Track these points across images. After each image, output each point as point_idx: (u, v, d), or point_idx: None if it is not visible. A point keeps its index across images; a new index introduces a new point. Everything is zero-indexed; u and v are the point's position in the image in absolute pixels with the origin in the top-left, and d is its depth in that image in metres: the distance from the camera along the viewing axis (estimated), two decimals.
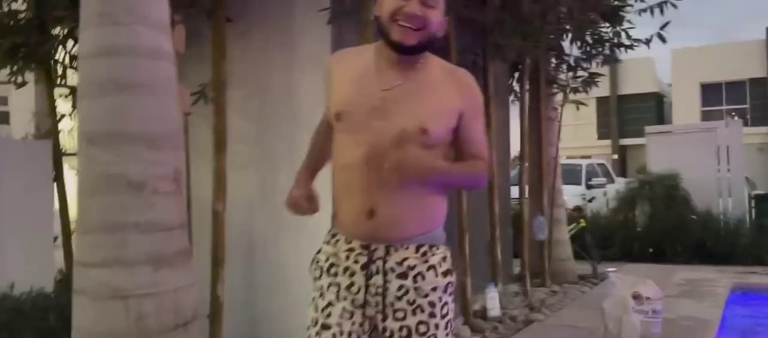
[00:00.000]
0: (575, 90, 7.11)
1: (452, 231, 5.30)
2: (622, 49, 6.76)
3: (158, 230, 2.63)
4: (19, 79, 4.80)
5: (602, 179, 14.07)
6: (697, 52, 27.32)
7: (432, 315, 1.80)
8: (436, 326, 1.79)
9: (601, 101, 30.08)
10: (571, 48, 6.88)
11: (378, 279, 1.80)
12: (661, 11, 6.45)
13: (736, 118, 25.54)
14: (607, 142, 29.33)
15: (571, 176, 13.71)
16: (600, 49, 6.74)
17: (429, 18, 1.77)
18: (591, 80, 7.04)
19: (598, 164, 15.57)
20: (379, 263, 1.80)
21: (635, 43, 6.61)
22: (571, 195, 12.03)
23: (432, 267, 1.82)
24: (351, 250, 1.83)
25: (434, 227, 1.86)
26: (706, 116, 25.73)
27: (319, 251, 1.95)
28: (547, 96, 7.05)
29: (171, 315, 2.61)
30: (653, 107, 29.24)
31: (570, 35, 6.56)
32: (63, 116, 4.99)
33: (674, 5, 6.44)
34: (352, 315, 1.81)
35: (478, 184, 1.97)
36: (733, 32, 74.83)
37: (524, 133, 6.47)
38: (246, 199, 4.74)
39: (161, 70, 2.69)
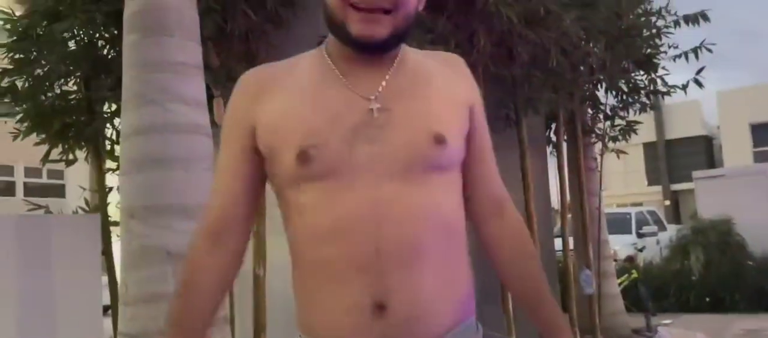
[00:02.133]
0: (614, 139, 7.04)
1: (493, 289, 5.26)
2: (659, 96, 6.69)
3: None
4: (70, 156, 5.05)
5: (653, 227, 13.68)
6: (744, 92, 26.72)
7: None
8: None
9: (648, 147, 29.55)
10: (606, 97, 6.85)
11: None
12: (696, 56, 6.40)
13: None
14: (658, 188, 28.62)
15: (621, 225, 13.39)
16: (636, 98, 6.69)
17: None
18: (629, 128, 6.96)
19: (649, 212, 15.17)
20: None
21: (672, 90, 6.55)
22: (621, 245, 11.75)
23: None
24: None
25: (470, 314, 1.25)
26: (758, 157, 24.92)
27: None
28: (585, 146, 6.99)
29: None
30: (703, 151, 28.55)
31: (604, 85, 6.55)
32: (111, 189, 5.21)
33: (709, 50, 6.39)
34: None
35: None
36: None
37: (564, 184, 6.40)
38: (286, 264, 4.80)
39: (196, 144, 2.82)
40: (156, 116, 2.75)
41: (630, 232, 13.13)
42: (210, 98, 4.29)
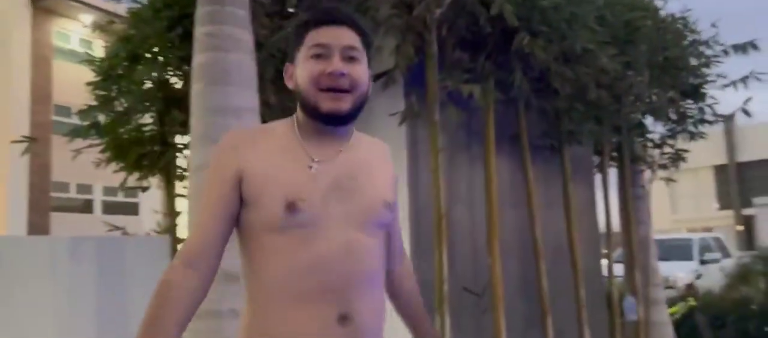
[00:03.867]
0: (663, 166, 7.09)
1: (535, 318, 5.44)
2: (708, 124, 6.72)
3: None
4: (145, 183, 5.60)
5: (717, 254, 13.31)
6: None
7: None
8: None
9: (718, 170, 28.58)
10: (655, 126, 6.93)
11: None
12: (745, 85, 6.42)
13: None
14: (730, 212, 27.52)
15: (683, 251, 13.13)
16: (684, 126, 6.74)
17: (357, 75, 1.48)
18: (678, 157, 7.00)
19: (713, 238, 14.77)
20: None
21: (718, 119, 6.57)
22: (683, 272, 11.55)
23: None
24: None
25: (383, 327, 1.58)
26: None
27: None
28: (633, 174, 7.06)
29: None
30: None
31: (650, 115, 6.65)
32: (180, 213, 5.72)
33: (758, 78, 6.39)
34: None
35: None
36: None
37: (609, 212, 6.51)
38: None
39: None
40: None
41: (692, 259, 12.85)
42: None
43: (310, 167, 1.48)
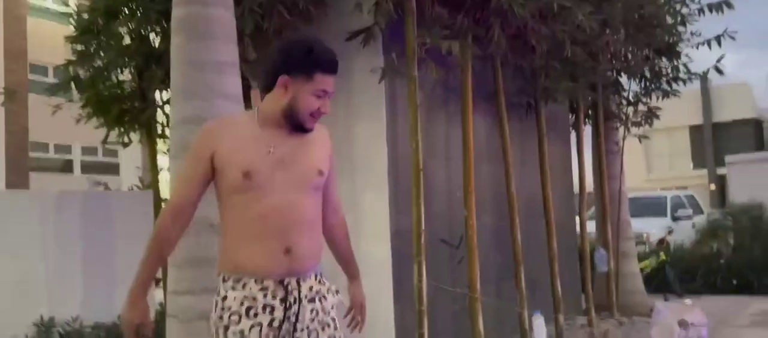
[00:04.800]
0: (637, 124, 7.25)
1: (508, 269, 5.64)
2: (681, 82, 6.87)
3: None
4: (126, 139, 5.63)
5: (689, 211, 13.64)
6: None
7: (335, 328, 2.15)
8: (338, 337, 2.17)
9: (694, 130, 29.04)
10: (629, 83, 7.07)
11: (294, 308, 2.04)
12: (719, 43, 6.56)
13: None
14: (704, 171, 28.08)
15: (656, 208, 13.44)
16: (658, 84, 6.89)
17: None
18: (652, 114, 7.16)
19: (686, 196, 15.12)
20: (295, 293, 2.05)
21: (693, 77, 6.72)
22: (656, 228, 11.85)
23: (328, 290, 2.17)
24: (265, 288, 2.02)
25: (320, 259, 2.19)
26: None
27: (223, 300, 2.06)
28: (608, 131, 7.23)
29: None
30: (752, 134, 27.87)
31: (625, 73, 6.77)
32: (162, 168, 5.78)
33: (732, 37, 6.54)
34: None
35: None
36: None
37: (582, 168, 6.69)
38: None
39: None
40: (201, 109, 3.23)
41: (665, 215, 13.17)
42: (248, 88, 4.77)
43: (270, 151, 2.06)
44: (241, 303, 2.03)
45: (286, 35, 4.76)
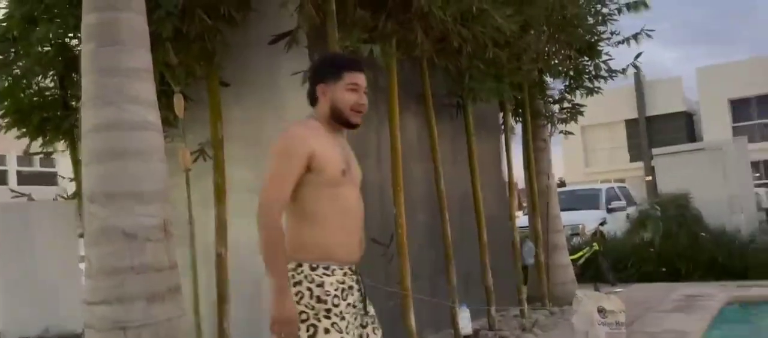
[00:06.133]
0: (563, 120, 7.50)
1: (441, 259, 5.76)
2: (602, 80, 7.15)
3: (150, 271, 3.18)
4: (50, 148, 5.49)
5: (622, 202, 14.17)
6: (723, 68, 27.19)
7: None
8: None
9: (630, 124, 30.12)
10: (554, 82, 7.31)
11: (362, 288, 2.42)
12: (637, 41, 6.86)
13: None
14: (640, 164, 29.15)
15: (591, 200, 13.91)
16: (581, 82, 7.15)
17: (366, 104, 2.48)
18: (576, 111, 7.43)
19: (619, 188, 15.68)
20: (360, 279, 2.43)
21: (613, 74, 7.01)
22: (591, 220, 12.25)
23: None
24: (345, 274, 2.35)
25: None
26: (737, 132, 25.44)
27: (319, 286, 2.27)
28: (536, 128, 7.46)
29: None
30: (683, 126, 29.06)
31: (548, 73, 7.00)
32: None
33: (649, 35, 6.84)
34: (356, 325, 2.38)
35: None
36: (762, 45, 73.70)
37: (510, 164, 6.88)
38: (248, 242, 5.26)
39: (148, 139, 3.28)
40: (113, 116, 3.20)
41: (599, 207, 13.64)
42: (171, 94, 4.74)
43: (344, 154, 2.40)
44: (336, 288, 2.30)
45: (209, 39, 4.75)
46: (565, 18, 6.56)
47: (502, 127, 7.32)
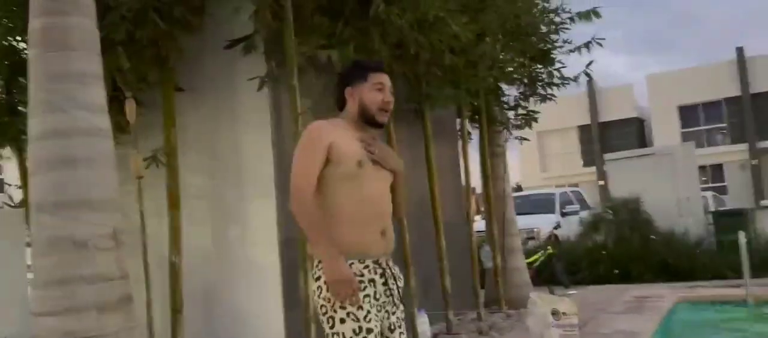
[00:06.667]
0: (518, 127, 7.64)
1: (399, 265, 5.78)
2: (556, 87, 7.32)
3: (101, 281, 3.10)
4: None
5: (576, 206, 14.47)
6: (672, 76, 28.10)
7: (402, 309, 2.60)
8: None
9: (582, 129, 30.85)
10: (510, 89, 7.44)
11: (390, 283, 2.49)
12: (588, 49, 7.03)
13: (720, 137, 26.16)
14: (593, 169, 29.84)
15: (546, 205, 14.17)
16: (535, 89, 7.29)
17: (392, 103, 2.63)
18: (530, 117, 7.57)
19: (573, 192, 16.02)
20: (388, 271, 2.49)
21: (565, 82, 7.18)
22: (546, 224, 12.48)
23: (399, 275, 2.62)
24: (367, 267, 2.43)
25: None
26: (686, 137, 26.33)
27: None
28: (492, 134, 7.57)
29: None
30: (634, 132, 29.91)
31: (503, 80, 7.12)
32: None
33: (599, 44, 7.03)
34: (378, 318, 2.46)
35: None
36: (709, 53, 76.68)
37: (467, 170, 6.97)
38: (202, 250, 5.20)
39: (98, 146, 3.19)
40: (61, 122, 3.12)
41: (554, 211, 13.90)
42: (123, 99, 4.64)
43: (371, 150, 2.50)
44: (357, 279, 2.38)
45: (163, 44, 4.67)
46: (519, 26, 6.68)
47: (460, 133, 7.39)
